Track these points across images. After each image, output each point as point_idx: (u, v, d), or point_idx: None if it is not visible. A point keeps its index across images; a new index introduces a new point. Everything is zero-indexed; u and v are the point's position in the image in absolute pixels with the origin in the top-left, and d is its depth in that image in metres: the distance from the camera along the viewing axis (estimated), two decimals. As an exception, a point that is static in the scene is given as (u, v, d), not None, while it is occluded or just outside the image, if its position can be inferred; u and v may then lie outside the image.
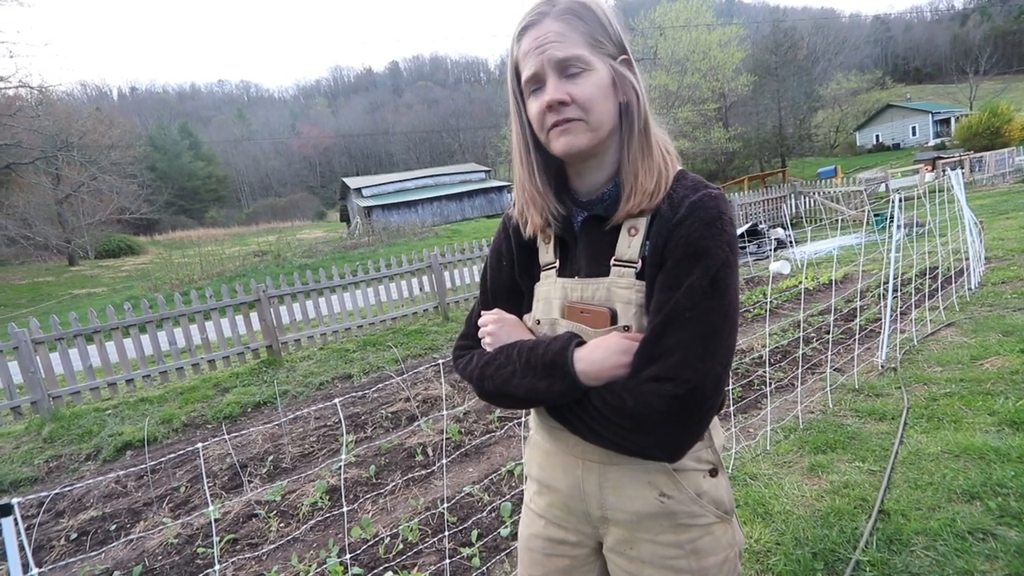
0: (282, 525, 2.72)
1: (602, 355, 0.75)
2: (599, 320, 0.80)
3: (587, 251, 0.84)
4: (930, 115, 40.57)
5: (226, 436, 2.03)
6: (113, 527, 2.97)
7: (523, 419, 3.36)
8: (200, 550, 2.60)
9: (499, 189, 34.28)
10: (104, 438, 4.31)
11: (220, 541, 2.62)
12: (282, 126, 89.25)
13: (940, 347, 3.71)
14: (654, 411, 0.69)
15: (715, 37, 30.88)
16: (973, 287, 4.99)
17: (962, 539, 1.82)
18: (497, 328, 0.88)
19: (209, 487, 3.29)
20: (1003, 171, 17.83)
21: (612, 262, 0.80)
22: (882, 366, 3.51)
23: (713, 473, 0.84)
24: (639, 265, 0.78)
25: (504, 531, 2.35)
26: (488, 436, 3.41)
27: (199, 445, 1.34)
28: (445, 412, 2.09)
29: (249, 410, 4.79)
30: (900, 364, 3.49)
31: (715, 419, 0.86)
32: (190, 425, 4.60)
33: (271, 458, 3.52)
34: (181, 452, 2.33)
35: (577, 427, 0.80)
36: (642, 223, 0.78)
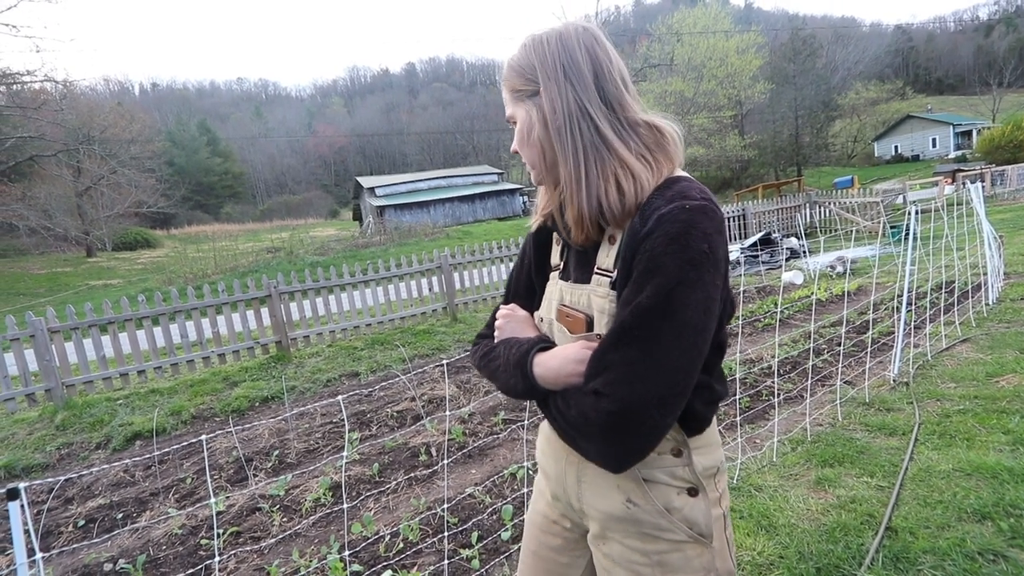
0: (285, 520, 2.74)
1: (558, 363, 0.79)
2: (577, 326, 0.83)
3: (577, 257, 0.89)
4: (951, 127, 39.88)
5: (232, 429, 2.05)
6: (120, 515, 3.01)
7: (526, 422, 3.35)
8: (203, 541, 2.62)
9: (511, 192, 34.30)
10: (115, 427, 4.38)
11: (223, 533, 2.64)
12: (298, 124, 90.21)
13: (955, 363, 3.64)
14: (592, 423, 0.71)
15: (733, 44, 30.65)
16: (991, 302, 4.89)
17: (971, 560, 1.78)
18: (505, 323, 0.94)
19: (215, 479, 3.33)
20: (1025, 185, 17.46)
21: (595, 270, 0.83)
22: (894, 380, 3.45)
23: (692, 493, 0.82)
24: (615, 275, 0.78)
25: (505, 534, 2.34)
26: (492, 438, 3.41)
27: (203, 437, 1.36)
28: (448, 413, 2.09)
29: (257, 404, 4.84)
30: (913, 379, 3.43)
31: (706, 437, 0.84)
32: (198, 417, 4.65)
33: (276, 453, 3.55)
34: (188, 443, 2.36)
35: (551, 423, 0.85)
36: (620, 233, 0.79)
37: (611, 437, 0.70)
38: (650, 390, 0.68)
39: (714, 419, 0.86)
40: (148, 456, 3.73)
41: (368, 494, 2.90)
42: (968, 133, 39.34)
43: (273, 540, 2.56)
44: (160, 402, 4.90)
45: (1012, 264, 6.34)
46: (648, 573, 0.82)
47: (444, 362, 2.38)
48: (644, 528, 0.82)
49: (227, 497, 3.03)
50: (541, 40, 0.80)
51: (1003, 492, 2.10)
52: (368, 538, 2.44)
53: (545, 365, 0.80)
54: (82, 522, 2.98)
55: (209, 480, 1.63)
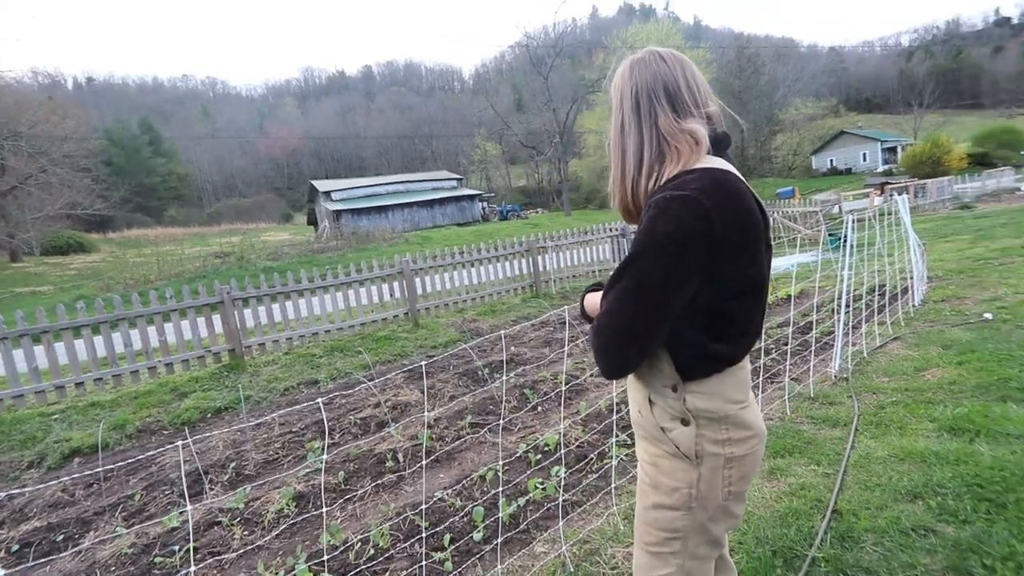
0: (246, 533, 2.64)
1: (592, 301, 1.10)
2: None
3: None
4: (879, 143, 43.12)
5: (189, 440, 1.98)
6: (60, 538, 2.81)
7: (500, 426, 3.38)
8: (157, 560, 2.49)
9: (471, 197, 34.26)
10: (49, 444, 4.07)
11: (179, 550, 2.52)
12: (249, 125, 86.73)
13: (887, 359, 3.95)
14: (591, 343, 1.02)
15: (683, 59, 32.01)
16: (916, 304, 5.34)
17: (906, 535, 1.95)
18: None
19: (166, 495, 3.16)
20: (943, 198, 19.15)
21: None
22: (835, 376, 3.71)
23: (684, 423, 1.02)
24: None
25: (476, 535, 2.36)
26: (459, 442, 3.41)
27: (180, 443, 1.31)
28: (426, 415, 2.09)
29: (209, 416, 4.62)
30: (851, 374, 3.70)
31: (706, 386, 1.01)
32: (144, 431, 4.40)
33: (233, 465, 3.41)
34: (140, 456, 2.23)
35: None
36: None
37: (596, 355, 1.00)
38: (612, 326, 0.95)
39: (726, 377, 1.01)
40: (90, 473, 3.49)
41: (334, 503, 2.84)
42: (893, 149, 42.65)
43: (234, 554, 2.46)
44: (102, 416, 4.60)
45: (933, 269, 6.94)
46: (648, 470, 1.09)
47: (409, 367, 2.38)
48: (648, 434, 1.08)
49: (181, 512, 2.89)
50: (614, 73, 1.08)
51: (931, 474, 2.31)
52: (337, 547, 2.39)
53: (587, 301, 1.14)
54: (16, 547, 2.76)
55: (185, 487, 1.56)
